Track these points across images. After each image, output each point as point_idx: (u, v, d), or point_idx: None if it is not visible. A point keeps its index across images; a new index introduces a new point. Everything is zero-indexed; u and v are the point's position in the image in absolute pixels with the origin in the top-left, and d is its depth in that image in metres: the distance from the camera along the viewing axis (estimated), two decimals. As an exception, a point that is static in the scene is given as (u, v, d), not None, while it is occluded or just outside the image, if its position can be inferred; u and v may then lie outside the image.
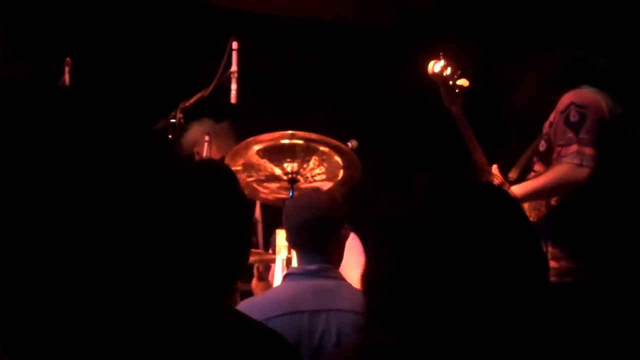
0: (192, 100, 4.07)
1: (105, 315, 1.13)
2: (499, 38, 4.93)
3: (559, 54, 3.97)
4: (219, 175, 2.10)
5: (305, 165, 4.09)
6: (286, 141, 4.03)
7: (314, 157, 4.08)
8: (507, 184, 3.87)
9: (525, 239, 1.57)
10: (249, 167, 4.11)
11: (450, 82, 4.00)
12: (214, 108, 4.45)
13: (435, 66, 3.99)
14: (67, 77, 4.63)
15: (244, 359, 1.90)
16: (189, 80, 4.38)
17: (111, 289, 1.14)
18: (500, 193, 1.64)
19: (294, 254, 3.91)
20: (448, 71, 4.00)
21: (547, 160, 3.80)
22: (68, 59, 4.62)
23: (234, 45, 4.17)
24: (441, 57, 3.99)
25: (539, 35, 5.01)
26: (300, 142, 4.03)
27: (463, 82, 4.06)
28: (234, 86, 4.11)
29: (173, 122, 3.97)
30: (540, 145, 3.86)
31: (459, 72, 4.03)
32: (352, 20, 6.06)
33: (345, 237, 3.12)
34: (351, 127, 5.21)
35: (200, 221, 1.91)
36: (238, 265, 2.15)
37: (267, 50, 5.54)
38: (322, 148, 4.07)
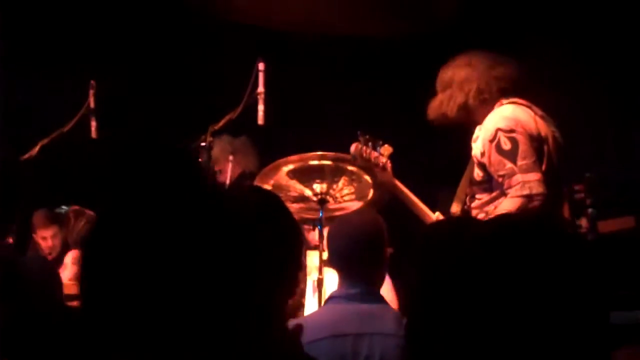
0: (221, 123, 4.07)
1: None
2: (524, 51, 4.91)
3: (470, 65, 3.87)
4: (268, 202, 2.10)
5: (334, 186, 4.08)
6: (315, 162, 4.02)
7: (343, 177, 4.07)
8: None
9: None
10: (278, 188, 4.10)
11: (374, 158, 3.90)
12: (243, 129, 4.45)
13: (357, 147, 3.85)
14: (91, 100, 4.65)
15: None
16: (216, 101, 4.38)
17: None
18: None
19: (325, 275, 3.91)
20: (369, 147, 3.89)
21: (488, 188, 3.78)
22: (93, 81, 4.64)
23: (261, 66, 4.18)
24: (359, 136, 3.88)
25: (566, 48, 4.99)
26: (329, 162, 4.02)
27: (387, 150, 3.98)
28: (261, 107, 4.12)
29: (203, 145, 3.98)
30: (476, 174, 3.83)
31: (380, 142, 3.96)
32: (373, 35, 6.05)
33: (388, 258, 3.09)
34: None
35: (253, 249, 1.87)
36: (289, 289, 2.14)
37: (287, 69, 5.54)
38: (350, 168, 4.06)
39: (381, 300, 2.99)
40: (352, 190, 4.14)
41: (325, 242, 3.28)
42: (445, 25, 5.85)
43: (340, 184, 4.10)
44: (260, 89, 4.14)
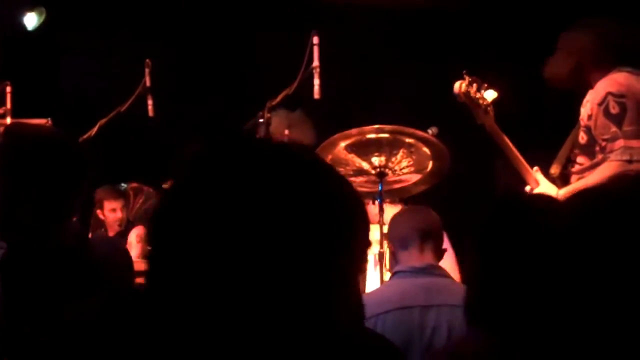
0: (277, 99, 4.08)
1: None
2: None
3: (592, 30, 3.84)
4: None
5: (393, 159, 4.08)
6: (372, 135, 4.01)
7: (401, 150, 4.06)
8: (556, 186, 3.85)
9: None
10: (336, 162, 4.10)
11: (478, 99, 3.92)
12: (299, 103, 4.45)
13: (461, 86, 3.89)
14: (147, 79, 4.67)
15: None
16: (272, 77, 4.38)
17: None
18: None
19: (386, 248, 3.91)
20: (474, 88, 3.92)
21: (590, 152, 3.74)
22: (148, 60, 4.66)
23: (315, 40, 4.17)
24: (465, 75, 3.90)
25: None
26: (386, 135, 4.01)
27: (491, 94, 3.99)
28: (316, 81, 4.12)
29: (261, 122, 3.99)
30: (580, 137, 3.79)
31: (485, 85, 3.96)
32: (426, 5, 6.00)
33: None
34: (431, 114, 5.16)
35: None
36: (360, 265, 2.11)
37: (337, 42, 5.52)
38: (408, 140, 4.05)
39: (447, 275, 3.04)
40: (411, 162, 4.13)
41: (387, 222, 3.35)
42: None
43: (399, 156, 4.09)
44: (316, 62, 4.14)
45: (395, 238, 3.10)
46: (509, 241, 1.65)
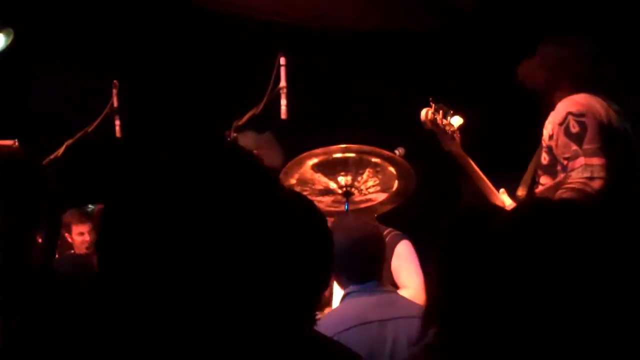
0: (244, 119, 4.11)
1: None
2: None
3: (577, 55, 3.85)
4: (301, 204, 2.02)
5: (359, 178, 4.11)
6: (339, 155, 4.04)
7: (367, 169, 4.10)
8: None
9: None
10: (303, 181, 4.13)
11: (444, 126, 4.01)
12: (266, 124, 4.48)
13: (427, 114, 3.98)
14: (115, 100, 4.68)
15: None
16: (239, 97, 4.40)
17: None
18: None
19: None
20: (439, 115, 4.00)
21: (552, 172, 3.80)
22: (115, 81, 4.67)
23: (282, 60, 4.20)
24: (431, 103, 3.98)
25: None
26: (352, 155, 4.05)
27: (457, 120, 4.06)
28: (283, 102, 4.15)
29: (227, 142, 4.01)
30: (542, 158, 3.86)
31: (452, 112, 4.03)
32: (394, 28, 6.05)
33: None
34: (397, 134, 5.21)
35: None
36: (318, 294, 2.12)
37: (309, 62, 5.56)
38: (374, 159, 4.08)
39: (394, 290, 3.24)
40: (377, 181, 4.17)
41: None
42: (465, 15, 5.84)
43: (365, 175, 4.12)
44: (283, 83, 4.17)
45: (341, 267, 3.04)
46: (463, 251, 1.69)
